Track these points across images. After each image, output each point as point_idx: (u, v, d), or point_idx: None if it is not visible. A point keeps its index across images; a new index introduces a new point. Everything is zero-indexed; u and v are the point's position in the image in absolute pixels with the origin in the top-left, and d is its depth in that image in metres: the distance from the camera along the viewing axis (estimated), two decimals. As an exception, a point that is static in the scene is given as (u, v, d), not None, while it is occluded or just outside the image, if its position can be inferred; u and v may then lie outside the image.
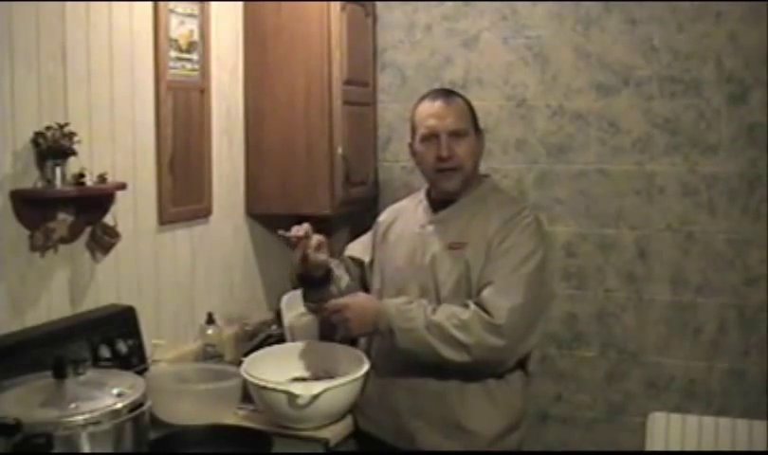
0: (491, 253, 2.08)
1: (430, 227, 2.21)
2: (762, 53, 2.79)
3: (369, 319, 2.09)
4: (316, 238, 2.16)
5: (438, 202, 2.24)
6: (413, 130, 2.23)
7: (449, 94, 2.25)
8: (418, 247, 2.20)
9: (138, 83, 2.43)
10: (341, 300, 2.14)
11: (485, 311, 2.00)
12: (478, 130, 2.24)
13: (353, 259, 2.39)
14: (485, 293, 2.03)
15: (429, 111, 2.18)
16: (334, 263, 2.30)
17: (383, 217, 2.40)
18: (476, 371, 2.07)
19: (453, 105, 2.19)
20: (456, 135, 2.15)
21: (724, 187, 2.87)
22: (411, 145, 2.26)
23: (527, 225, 2.12)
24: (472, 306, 2.02)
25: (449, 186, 2.18)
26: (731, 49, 2.82)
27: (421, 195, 2.32)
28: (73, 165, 2.11)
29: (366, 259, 2.38)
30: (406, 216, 2.32)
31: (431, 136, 2.16)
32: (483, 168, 2.70)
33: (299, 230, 2.15)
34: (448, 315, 2.02)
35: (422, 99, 2.25)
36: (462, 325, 2.00)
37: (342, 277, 2.30)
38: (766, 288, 2.83)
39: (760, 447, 2.72)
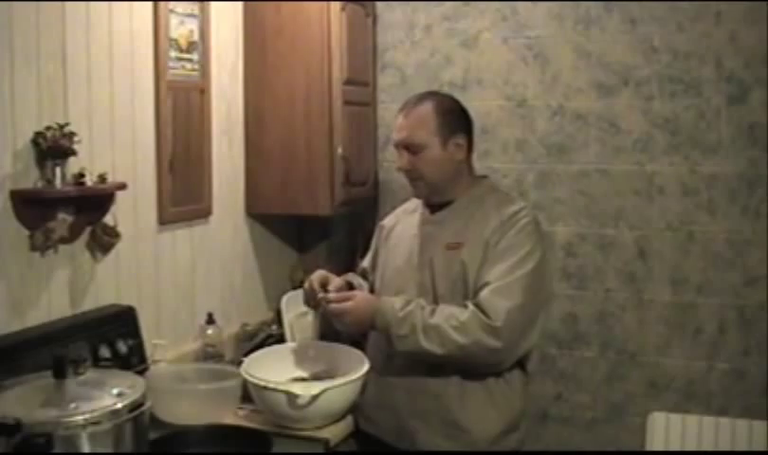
0: (489, 253, 2.08)
1: (428, 229, 2.21)
2: (762, 53, 2.79)
3: (366, 320, 2.09)
4: (318, 279, 2.19)
5: (435, 203, 2.25)
6: None
7: (418, 102, 2.18)
8: (416, 248, 2.20)
9: (138, 83, 2.44)
10: (341, 305, 2.13)
11: (484, 312, 2.00)
12: (447, 137, 2.15)
13: (364, 269, 2.44)
14: (483, 294, 2.03)
15: (395, 122, 2.21)
16: (350, 277, 2.35)
17: (386, 221, 2.42)
18: (475, 371, 2.07)
19: (413, 117, 2.15)
20: (413, 148, 2.14)
21: (724, 187, 2.87)
22: None
23: (525, 225, 2.12)
24: (471, 307, 2.02)
25: (416, 193, 2.24)
26: (731, 49, 2.82)
27: None
28: (73, 165, 2.11)
29: (367, 265, 2.43)
30: (405, 219, 2.33)
31: (397, 147, 2.20)
32: (482, 168, 2.71)
33: (314, 295, 2.17)
34: (447, 316, 2.02)
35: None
36: (460, 326, 2.00)
37: (362, 285, 2.34)
38: (766, 288, 2.83)
39: (760, 447, 2.72)
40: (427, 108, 2.16)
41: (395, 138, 2.21)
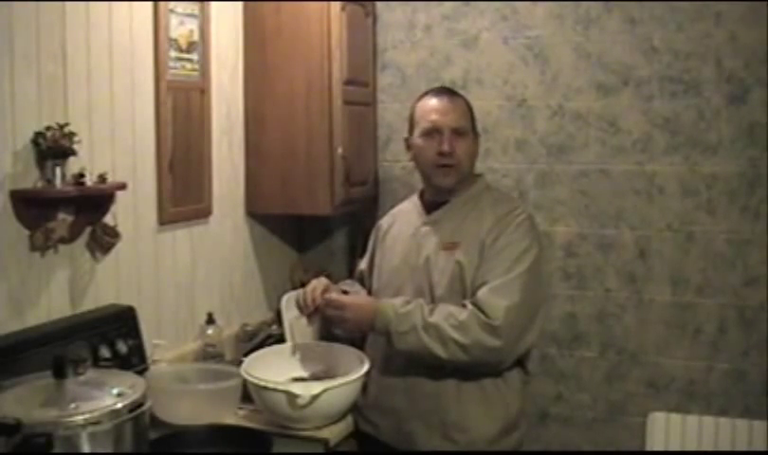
0: (485, 253, 2.09)
1: (424, 229, 2.22)
2: (762, 53, 2.79)
3: (366, 320, 2.10)
4: (322, 287, 2.17)
5: (431, 203, 2.25)
6: (412, 125, 2.24)
7: (453, 92, 2.28)
8: (413, 249, 2.21)
9: (138, 83, 2.44)
10: (340, 300, 2.14)
11: (483, 311, 2.00)
12: (476, 132, 2.26)
13: (362, 271, 2.44)
14: (482, 293, 2.03)
15: (433, 106, 2.19)
16: (348, 284, 2.35)
17: (383, 221, 2.42)
18: (474, 370, 2.07)
19: (457, 103, 2.21)
20: (458, 132, 2.16)
21: (724, 187, 2.87)
22: (407, 140, 2.28)
23: (520, 223, 2.12)
24: (470, 306, 2.03)
25: (446, 182, 2.18)
26: (731, 49, 2.82)
27: (415, 198, 2.33)
28: (73, 165, 2.11)
29: (364, 266, 2.43)
30: (402, 219, 2.33)
31: (433, 132, 2.17)
32: (482, 168, 2.71)
33: (312, 300, 2.15)
34: (446, 315, 2.02)
35: (424, 94, 2.26)
36: (459, 326, 2.00)
37: (360, 291, 2.34)
38: (766, 288, 2.83)
39: (760, 447, 2.72)
40: (463, 100, 2.24)
41: (437, 120, 2.16)
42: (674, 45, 2.89)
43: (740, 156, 2.84)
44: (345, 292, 2.27)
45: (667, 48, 2.90)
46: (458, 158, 2.16)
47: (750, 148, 2.83)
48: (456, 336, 2.00)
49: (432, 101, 2.20)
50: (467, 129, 2.20)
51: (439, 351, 2.01)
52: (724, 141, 2.86)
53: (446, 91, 2.27)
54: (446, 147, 2.14)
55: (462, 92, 2.74)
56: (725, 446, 2.78)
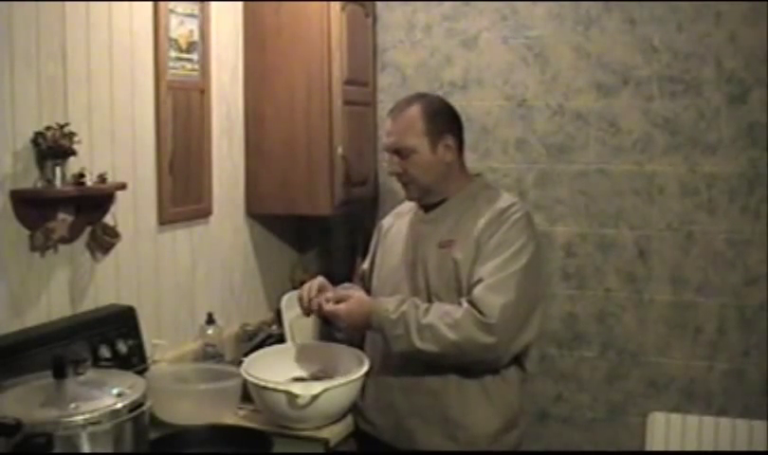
0: (481, 250, 2.08)
1: (422, 228, 2.22)
2: (762, 53, 2.79)
3: (362, 321, 2.10)
4: (318, 284, 2.18)
5: (429, 203, 2.25)
6: None
7: (406, 105, 2.19)
8: (410, 247, 2.21)
9: (138, 83, 2.43)
10: (334, 310, 2.12)
11: (478, 309, 2.00)
12: (441, 139, 2.15)
13: (365, 271, 2.44)
14: (477, 291, 2.03)
15: (385, 127, 2.23)
16: (347, 287, 2.33)
17: (384, 221, 2.43)
18: (472, 368, 2.08)
19: (401, 121, 2.16)
20: (403, 152, 2.15)
21: (724, 187, 2.87)
22: None
23: (517, 220, 2.11)
24: (465, 305, 2.02)
25: (408, 196, 2.25)
26: (731, 49, 2.82)
27: None
28: (73, 165, 2.11)
29: (367, 266, 2.44)
30: (402, 219, 2.34)
31: (386, 151, 2.22)
32: (482, 168, 2.71)
33: (309, 299, 2.16)
34: (441, 314, 2.02)
35: None
36: (454, 324, 2.00)
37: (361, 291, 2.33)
38: (766, 288, 2.83)
39: (760, 447, 2.72)
40: (414, 111, 2.16)
41: (384, 143, 2.22)
42: (674, 45, 2.89)
43: (740, 156, 2.84)
44: None
45: (667, 48, 2.90)
46: (407, 177, 2.18)
47: (750, 148, 2.83)
48: (451, 334, 1.99)
49: (385, 121, 2.22)
50: (414, 146, 2.13)
51: (434, 351, 2.01)
52: (724, 141, 2.86)
53: (397, 107, 2.21)
54: (390, 168, 2.20)
55: (462, 92, 2.75)
56: (725, 446, 2.78)
